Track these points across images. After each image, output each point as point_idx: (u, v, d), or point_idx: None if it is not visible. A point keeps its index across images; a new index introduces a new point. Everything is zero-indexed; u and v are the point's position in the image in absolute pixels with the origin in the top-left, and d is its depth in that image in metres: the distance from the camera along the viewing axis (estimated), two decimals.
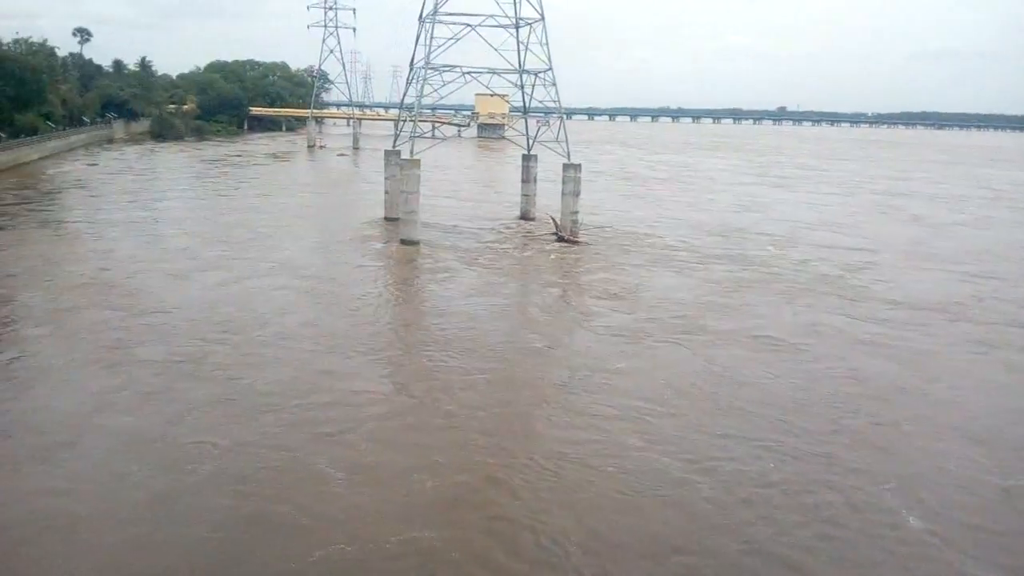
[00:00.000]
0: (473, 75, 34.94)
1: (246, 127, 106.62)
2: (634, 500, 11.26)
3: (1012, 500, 11.43)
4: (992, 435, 13.25)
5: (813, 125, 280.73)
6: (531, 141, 36.62)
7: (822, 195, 32.74)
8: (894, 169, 47.79)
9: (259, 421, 13.32)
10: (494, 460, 12.16)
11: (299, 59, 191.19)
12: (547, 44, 34.21)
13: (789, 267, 24.06)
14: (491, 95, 47.08)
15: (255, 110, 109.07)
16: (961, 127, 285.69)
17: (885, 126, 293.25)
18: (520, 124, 42.85)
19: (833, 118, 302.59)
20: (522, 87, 36.27)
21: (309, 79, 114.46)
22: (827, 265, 23.93)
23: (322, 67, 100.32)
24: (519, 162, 36.75)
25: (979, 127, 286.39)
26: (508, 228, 33.81)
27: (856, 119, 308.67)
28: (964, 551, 10.18)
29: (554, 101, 35.51)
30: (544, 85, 35.45)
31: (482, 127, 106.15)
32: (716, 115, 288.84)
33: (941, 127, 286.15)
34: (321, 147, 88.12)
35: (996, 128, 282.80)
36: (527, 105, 37.25)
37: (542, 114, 41.29)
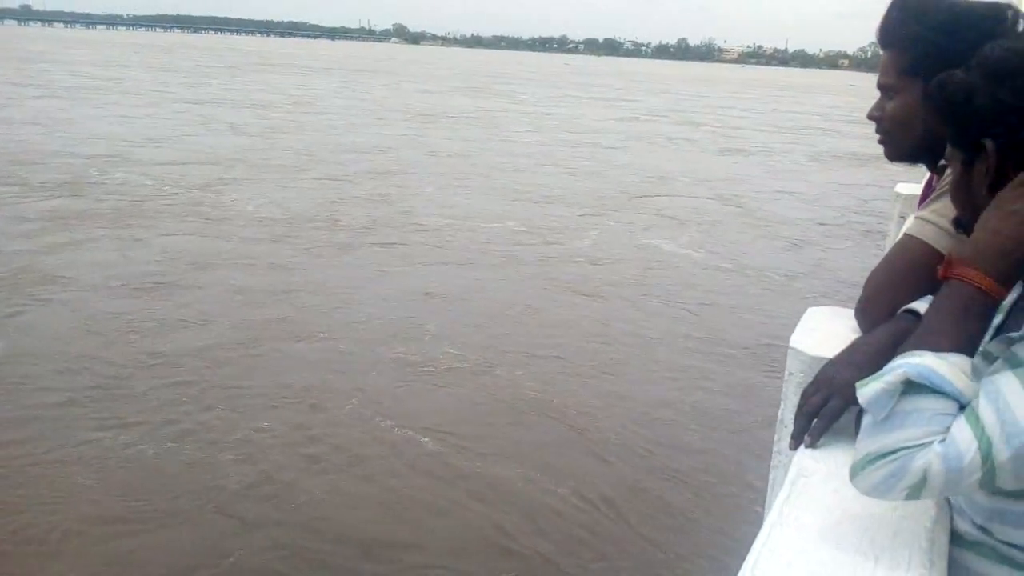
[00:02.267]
0: None
1: None
2: None
3: None
4: None
5: (67, 27, 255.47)
6: None
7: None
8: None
9: None
10: None
11: None
12: None
13: None
14: None
15: None
16: (216, 31, 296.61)
17: (143, 29, 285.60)
18: None
19: (87, 20, 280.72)
20: None
21: None
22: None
23: None
24: None
25: (235, 31, 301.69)
26: None
27: (112, 21, 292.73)
28: None
29: None
30: None
31: None
32: None
33: (197, 31, 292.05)
34: None
35: (252, 33, 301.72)
36: None
37: None
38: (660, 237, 11.05)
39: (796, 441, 1.20)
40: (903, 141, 1.48)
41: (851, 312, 1.45)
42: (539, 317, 7.48)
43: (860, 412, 1.04)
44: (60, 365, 5.73)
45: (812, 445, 1.17)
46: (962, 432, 0.88)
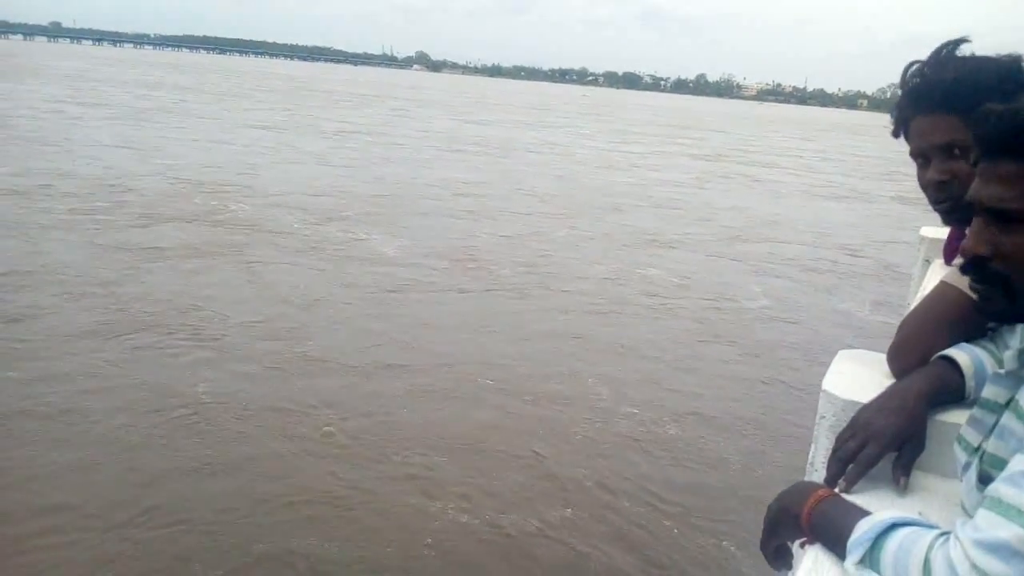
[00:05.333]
0: None
1: None
2: None
3: None
4: None
5: (94, 44, 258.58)
6: None
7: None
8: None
9: None
10: None
11: None
12: None
13: None
14: None
15: None
16: (241, 53, 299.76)
17: (169, 49, 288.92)
18: None
19: (115, 38, 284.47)
20: None
21: None
22: None
23: None
24: None
25: (259, 54, 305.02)
26: None
27: (140, 40, 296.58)
28: None
29: None
30: None
31: None
32: None
33: (222, 52, 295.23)
34: None
35: (276, 56, 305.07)
36: None
37: None
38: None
39: (831, 485, 1.16)
40: None
41: (882, 356, 1.44)
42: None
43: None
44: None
45: (847, 491, 1.14)
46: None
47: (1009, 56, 1.41)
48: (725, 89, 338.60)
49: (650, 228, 14.10)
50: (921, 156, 1.52)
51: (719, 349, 7.89)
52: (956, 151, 1.46)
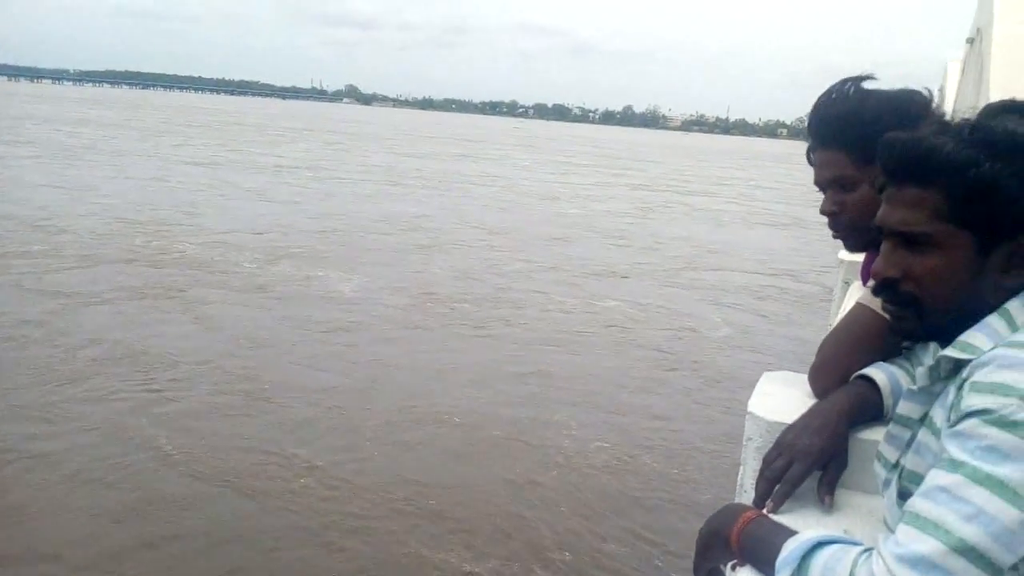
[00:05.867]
0: None
1: None
2: None
3: None
4: None
5: (9, 80, 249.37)
6: None
7: None
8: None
9: None
10: None
11: None
12: None
13: None
14: None
15: None
16: (166, 88, 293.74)
17: (90, 84, 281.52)
18: None
19: (33, 73, 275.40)
20: None
21: None
22: None
23: None
24: None
25: (185, 88, 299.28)
26: None
27: (59, 75, 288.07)
28: None
29: None
30: None
31: None
32: None
33: (146, 87, 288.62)
34: None
35: (202, 91, 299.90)
36: None
37: None
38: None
39: (759, 506, 1.17)
40: (872, 229, 1.43)
41: (805, 377, 1.46)
42: None
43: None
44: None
45: (775, 510, 1.16)
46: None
47: (903, 90, 1.47)
48: (651, 120, 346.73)
49: (601, 258, 14.19)
50: (819, 187, 1.59)
51: (683, 377, 7.92)
52: (844, 184, 1.52)
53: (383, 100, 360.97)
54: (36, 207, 14.60)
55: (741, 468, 1.38)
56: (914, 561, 0.81)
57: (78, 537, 4.36)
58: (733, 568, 1.07)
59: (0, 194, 15.84)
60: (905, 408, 1.08)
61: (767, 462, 1.22)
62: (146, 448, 5.38)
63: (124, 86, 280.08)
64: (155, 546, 4.33)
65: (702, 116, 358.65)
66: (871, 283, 1.29)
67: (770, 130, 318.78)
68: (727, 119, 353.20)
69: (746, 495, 1.30)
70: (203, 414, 6.07)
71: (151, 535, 4.41)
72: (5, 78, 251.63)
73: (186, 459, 5.29)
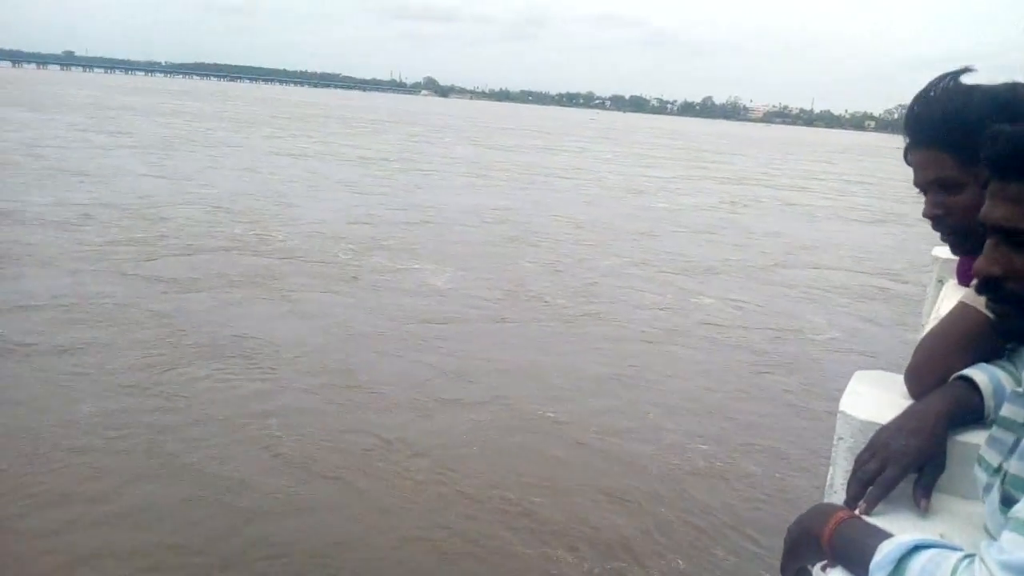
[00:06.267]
0: None
1: None
2: None
3: None
4: None
5: (106, 72, 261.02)
6: None
7: None
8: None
9: None
10: None
11: None
12: None
13: None
14: None
15: None
16: (251, 80, 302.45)
17: (180, 76, 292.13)
18: None
19: (127, 66, 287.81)
20: None
21: None
22: None
23: None
24: None
25: (270, 81, 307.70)
26: None
27: (151, 68, 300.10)
28: None
29: None
30: None
31: None
32: None
33: (233, 79, 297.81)
34: None
35: (286, 83, 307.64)
36: None
37: None
38: None
39: (851, 508, 1.12)
40: (980, 232, 1.32)
41: (899, 377, 1.42)
42: None
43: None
44: None
45: (867, 512, 1.12)
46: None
47: (1008, 84, 1.39)
48: (732, 111, 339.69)
49: (691, 254, 13.88)
50: (919, 188, 1.54)
51: (786, 380, 7.64)
52: (947, 186, 1.47)
53: (460, 92, 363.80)
54: (139, 196, 15.15)
55: (831, 468, 1.36)
56: (1020, 569, 0.78)
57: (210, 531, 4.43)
58: (823, 569, 1.05)
59: (106, 183, 16.50)
60: (1009, 411, 1.04)
61: (860, 463, 1.19)
62: (257, 444, 5.45)
63: (212, 78, 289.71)
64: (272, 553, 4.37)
65: (785, 107, 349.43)
66: (974, 282, 1.25)
67: (857, 122, 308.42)
68: (811, 110, 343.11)
69: (836, 495, 1.28)
70: (307, 407, 6.14)
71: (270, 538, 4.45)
72: (102, 70, 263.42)
73: (299, 455, 5.35)
